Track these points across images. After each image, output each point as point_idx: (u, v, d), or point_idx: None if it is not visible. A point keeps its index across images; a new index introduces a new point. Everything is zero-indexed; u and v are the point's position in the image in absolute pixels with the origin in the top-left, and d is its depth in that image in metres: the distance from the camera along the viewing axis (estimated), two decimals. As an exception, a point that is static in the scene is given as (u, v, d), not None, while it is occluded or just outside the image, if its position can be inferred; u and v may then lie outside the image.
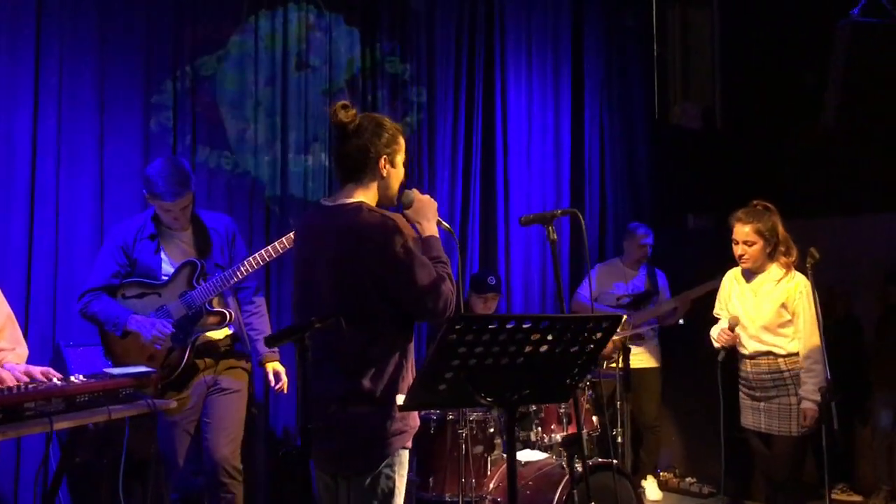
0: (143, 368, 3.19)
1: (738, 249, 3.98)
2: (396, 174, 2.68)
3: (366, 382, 2.48)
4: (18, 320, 3.39)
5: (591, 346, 2.25)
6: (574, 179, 6.30)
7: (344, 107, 2.59)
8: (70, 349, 3.91)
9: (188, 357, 3.54)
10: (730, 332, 4.01)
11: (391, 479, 2.54)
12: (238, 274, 3.55)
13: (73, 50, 4.17)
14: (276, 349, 3.72)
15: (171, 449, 3.59)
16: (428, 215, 2.67)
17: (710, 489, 5.65)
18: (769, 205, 3.99)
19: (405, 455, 2.59)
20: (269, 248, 3.57)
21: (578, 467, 3.89)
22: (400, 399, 2.25)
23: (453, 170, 5.63)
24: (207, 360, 3.64)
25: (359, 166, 2.61)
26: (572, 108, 6.32)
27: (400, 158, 2.68)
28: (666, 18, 7.28)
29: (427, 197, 2.71)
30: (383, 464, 2.52)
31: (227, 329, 3.67)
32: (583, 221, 2.75)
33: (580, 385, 4.34)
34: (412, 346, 2.61)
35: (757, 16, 6.52)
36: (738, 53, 6.84)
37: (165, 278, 3.58)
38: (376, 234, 2.48)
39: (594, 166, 6.44)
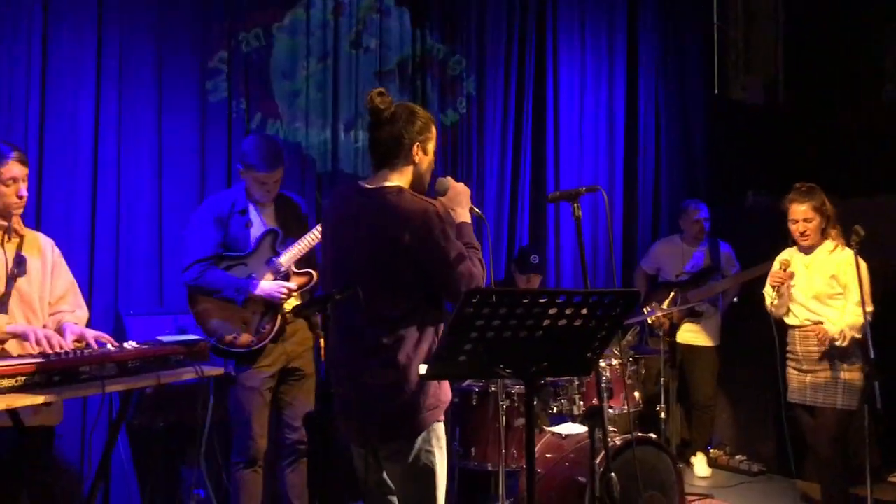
0: (192, 336, 3.35)
1: (798, 227, 4.12)
2: (428, 161, 2.77)
3: (399, 358, 2.56)
4: (83, 291, 3.61)
5: (610, 320, 2.29)
6: (628, 157, 6.25)
7: (380, 94, 2.68)
8: (131, 318, 4.11)
9: (280, 323, 3.69)
10: (781, 272, 4.13)
11: (431, 453, 2.62)
12: (317, 235, 3.68)
13: (132, 30, 4.34)
14: None
15: (245, 413, 3.69)
16: (462, 202, 2.75)
17: (761, 467, 5.62)
18: (813, 184, 4.14)
19: (441, 428, 2.67)
20: None
21: (617, 441, 3.96)
22: (423, 368, 2.33)
23: (503, 147, 5.66)
24: (284, 340, 3.77)
25: (392, 152, 2.70)
26: (626, 83, 6.25)
27: (432, 146, 2.76)
28: (727, -9, 7.13)
29: (461, 185, 2.80)
30: (420, 440, 2.60)
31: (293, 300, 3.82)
32: (606, 199, 2.77)
33: (622, 361, 4.39)
34: (444, 325, 2.69)
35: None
36: (802, 25, 6.66)
37: (249, 250, 3.74)
38: (417, 218, 2.57)
39: (649, 143, 6.37)
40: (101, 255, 4.24)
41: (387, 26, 5.19)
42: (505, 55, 5.69)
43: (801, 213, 4.11)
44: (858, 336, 3.91)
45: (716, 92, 6.93)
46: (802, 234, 4.11)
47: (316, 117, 4.95)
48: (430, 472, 2.64)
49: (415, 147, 2.70)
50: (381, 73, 5.15)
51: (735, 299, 5.61)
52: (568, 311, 2.21)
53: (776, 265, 4.26)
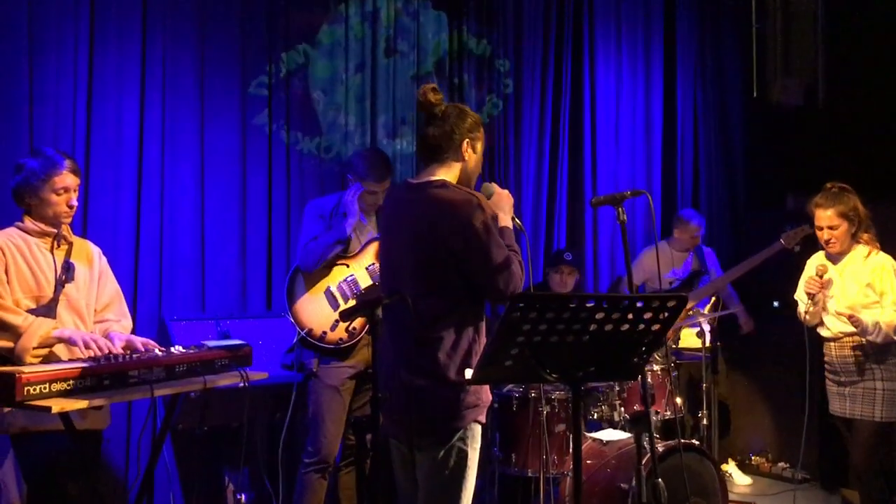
0: (237, 341, 3.38)
1: (823, 235, 3.95)
2: (477, 160, 2.81)
3: (440, 355, 2.57)
4: (127, 297, 3.67)
5: (657, 325, 2.28)
6: (665, 159, 6.22)
7: (433, 89, 2.73)
8: (174, 323, 4.16)
9: (370, 323, 3.74)
10: (818, 279, 3.94)
11: (464, 452, 2.63)
12: None
13: (175, 41, 4.41)
14: None
15: (322, 411, 3.77)
16: (505, 208, 2.77)
17: (804, 475, 5.53)
18: (845, 185, 3.94)
19: (478, 429, 2.67)
20: None
21: (659, 447, 3.93)
22: (468, 373, 2.34)
23: (540, 149, 5.65)
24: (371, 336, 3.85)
25: (442, 147, 2.73)
26: (664, 85, 6.22)
27: (480, 146, 2.81)
28: (765, -10, 7.06)
29: (505, 191, 2.83)
30: (456, 436, 2.61)
31: None
32: (651, 203, 2.76)
33: (664, 366, 4.36)
34: (484, 322, 2.70)
35: (863, -14, 6.25)
36: (842, 26, 6.56)
37: (351, 253, 3.87)
38: (459, 209, 2.58)
39: (687, 145, 6.33)
40: (145, 261, 4.30)
41: (422, 30, 5.21)
42: (542, 58, 5.69)
43: (826, 220, 3.90)
44: (895, 337, 3.77)
45: (754, 95, 6.86)
46: (828, 242, 3.92)
47: (354, 125, 4.98)
48: (461, 471, 2.63)
49: (465, 143, 2.73)
50: (418, 76, 5.17)
51: (775, 304, 5.55)
52: (615, 316, 2.21)
53: (810, 268, 4.10)
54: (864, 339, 3.85)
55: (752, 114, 6.66)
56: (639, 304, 2.22)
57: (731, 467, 5.60)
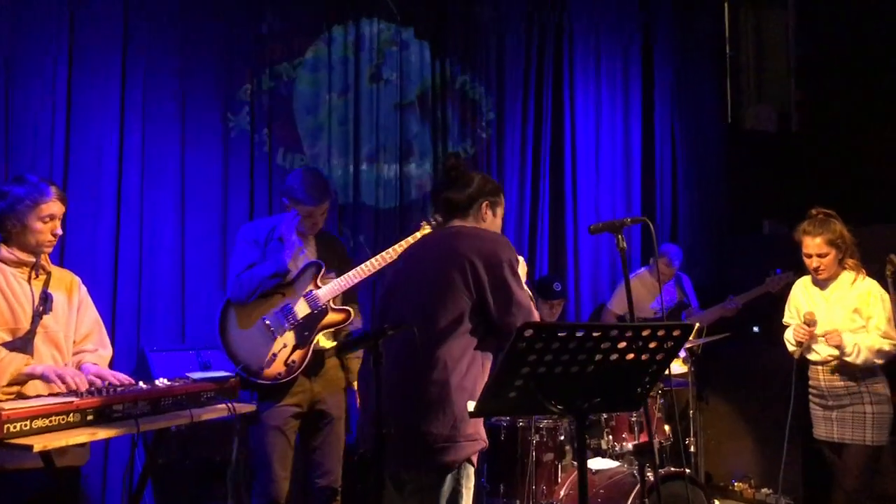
0: (222, 373, 3.30)
1: (812, 262, 3.95)
2: (495, 224, 2.86)
3: (444, 392, 2.54)
4: (105, 325, 3.56)
5: (662, 354, 2.24)
6: (645, 186, 6.26)
7: (455, 155, 2.96)
8: (154, 353, 4.06)
9: (309, 357, 3.61)
10: (806, 327, 3.94)
11: (458, 491, 2.59)
12: (360, 273, 3.67)
13: (156, 67, 4.36)
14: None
15: (267, 452, 3.59)
16: (519, 273, 2.77)
17: (788, 501, 5.52)
18: (830, 211, 3.96)
19: (472, 470, 2.65)
20: (389, 250, 3.64)
21: (650, 476, 3.89)
22: (471, 406, 2.28)
23: (522, 178, 5.66)
24: (313, 377, 3.69)
25: (462, 207, 2.81)
26: (642, 114, 6.28)
27: (500, 211, 2.88)
28: (738, 20, 7.16)
29: (521, 258, 2.83)
30: (450, 474, 2.58)
31: (331, 341, 3.76)
32: (653, 230, 2.74)
33: (652, 394, 4.33)
34: (491, 361, 2.67)
35: (833, 14, 6.36)
36: (814, 54, 6.69)
37: (290, 279, 3.67)
38: (488, 243, 2.65)
39: (665, 173, 6.38)
40: (124, 290, 4.21)
41: (406, 58, 5.21)
42: (523, 90, 5.73)
43: (814, 248, 3.90)
44: (877, 361, 3.78)
45: (728, 122, 6.95)
46: (817, 269, 3.94)
47: (337, 150, 4.95)
48: None
49: (484, 205, 2.80)
50: (401, 105, 5.15)
51: (755, 329, 5.59)
52: (621, 346, 2.17)
53: (796, 295, 4.12)
54: (852, 364, 3.85)
55: (729, 140, 6.73)
56: (645, 333, 2.18)
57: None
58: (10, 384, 2.83)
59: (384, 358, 2.27)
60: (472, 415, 2.42)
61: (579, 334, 2.11)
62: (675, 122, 6.45)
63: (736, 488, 5.79)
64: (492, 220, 2.84)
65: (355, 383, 3.88)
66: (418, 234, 3.58)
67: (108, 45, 4.22)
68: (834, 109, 6.40)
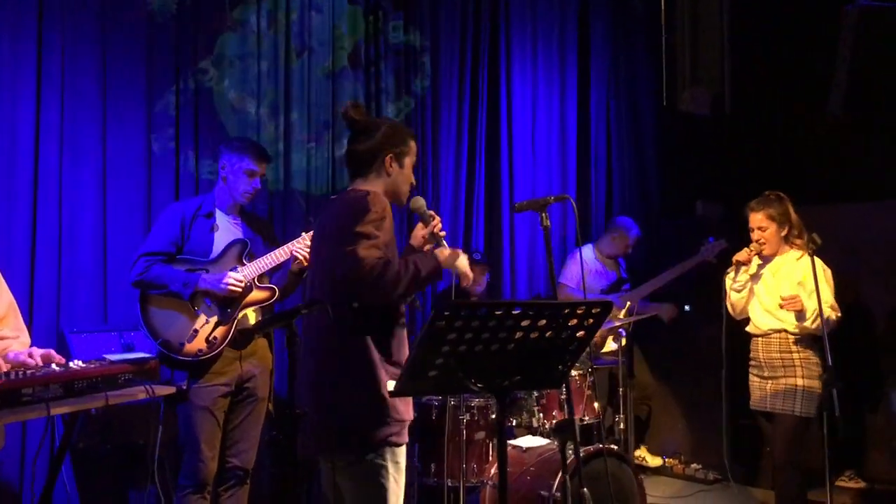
0: (142, 354, 3.22)
1: (754, 236, 4.17)
2: (404, 175, 2.74)
3: (352, 369, 2.50)
4: (23, 308, 3.44)
5: (582, 332, 2.24)
6: (580, 166, 6.29)
7: (354, 105, 2.71)
8: (74, 335, 3.93)
9: (232, 334, 3.55)
10: (748, 250, 4.12)
11: (381, 467, 2.55)
12: (286, 252, 3.61)
13: (75, 41, 4.17)
14: None
15: (195, 433, 3.53)
16: (449, 261, 2.65)
17: (716, 475, 5.65)
18: (781, 193, 4.17)
19: (400, 451, 2.60)
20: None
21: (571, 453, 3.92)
22: (391, 385, 2.25)
23: (458, 158, 5.63)
24: (242, 351, 3.64)
25: (365, 162, 2.70)
26: (578, 94, 6.30)
27: (409, 161, 2.74)
28: (674, 4, 7.21)
29: (452, 250, 2.69)
30: (373, 453, 2.53)
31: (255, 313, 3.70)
32: (575, 208, 2.74)
33: (581, 371, 4.36)
34: (399, 335, 2.62)
35: (766, 1, 6.44)
36: (747, 39, 6.75)
37: (213, 257, 3.61)
38: (347, 205, 2.56)
39: (601, 153, 6.42)
40: (42, 271, 4.05)
41: (338, 25, 5.09)
42: (459, 65, 5.68)
43: (756, 221, 4.15)
44: (825, 331, 3.88)
45: (664, 104, 7.00)
46: (758, 241, 4.14)
47: (268, 119, 4.82)
48: (379, 488, 2.55)
49: (387, 159, 2.68)
50: (333, 72, 5.06)
51: (686, 307, 5.68)
52: (541, 324, 2.16)
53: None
54: (790, 337, 4.02)
55: (664, 123, 6.79)
56: (565, 311, 2.17)
57: (642, 452, 5.73)
58: None
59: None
60: (391, 394, 2.40)
61: (499, 312, 2.09)
62: (611, 103, 6.49)
63: (667, 464, 5.91)
64: (398, 171, 2.71)
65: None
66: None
67: (22, 15, 4.03)
68: (766, 94, 6.50)
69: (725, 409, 4.78)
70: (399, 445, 2.59)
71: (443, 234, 2.72)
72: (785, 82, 6.24)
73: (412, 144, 2.75)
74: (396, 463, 2.59)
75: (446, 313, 2.03)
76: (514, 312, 2.11)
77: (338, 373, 2.52)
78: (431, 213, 2.72)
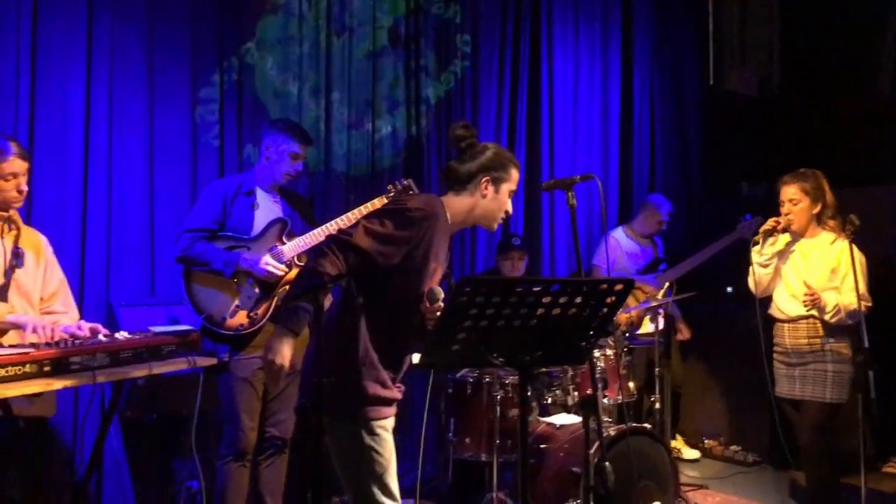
0: (185, 326, 3.33)
1: (784, 209, 4.05)
2: (499, 201, 2.77)
3: (333, 343, 2.57)
4: (74, 283, 3.59)
5: (605, 309, 2.28)
6: (622, 146, 6.26)
7: (464, 126, 2.77)
8: (122, 308, 4.08)
9: (272, 311, 3.66)
10: (775, 221, 4.04)
11: (358, 437, 2.60)
12: (325, 232, 3.67)
13: (123, 23, 4.30)
14: None
15: (236, 403, 3.64)
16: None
17: (756, 458, 5.63)
18: (817, 171, 4.04)
19: (375, 424, 2.62)
20: (355, 210, 3.66)
21: (610, 431, 3.95)
22: (416, 357, 2.32)
23: (497, 138, 5.63)
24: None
25: (460, 179, 2.75)
26: (621, 73, 6.25)
27: (506, 188, 2.77)
28: (722, -21, 7.11)
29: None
30: (345, 420, 2.60)
31: None
32: (601, 187, 2.76)
33: (617, 350, 4.38)
34: (399, 324, 2.66)
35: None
36: (797, 18, 6.64)
37: (254, 234, 3.71)
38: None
39: (643, 133, 6.37)
40: (92, 246, 4.20)
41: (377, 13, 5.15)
42: (500, 46, 5.68)
43: (788, 195, 4.02)
44: (849, 322, 3.84)
45: (710, 83, 6.92)
46: (787, 216, 4.02)
47: (310, 96, 4.91)
48: (355, 453, 2.60)
49: (483, 181, 2.73)
50: (373, 52, 5.12)
51: (728, 289, 5.63)
52: (562, 300, 2.20)
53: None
54: (818, 322, 3.92)
55: (708, 102, 6.72)
56: (586, 289, 2.21)
57: (678, 444, 5.70)
58: None
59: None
60: (416, 366, 2.46)
61: (519, 289, 2.14)
62: (654, 83, 6.43)
63: (706, 445, 5.90)
64: (493, 196, 2.74)
65: None
66: (376, 202, 3.62)
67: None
68: (816, 73, 6.38)
69: (764, 393, 4.74)
70: (376, 420, 2.63)
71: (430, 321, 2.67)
72: (833, 62, 6.12)
73: (513, 173, 2.77)
74: (374, 434, 2.62)
75: (467, 289, 2.08)
76: (534, 289, 2.15)
77: (334, 341, 2.59)
78: (440, 305, 2.61)
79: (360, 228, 2.57)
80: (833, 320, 3.86)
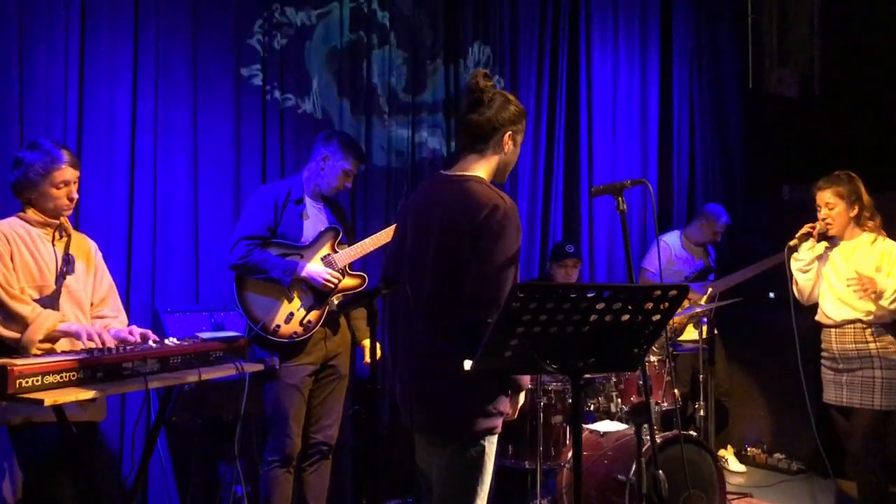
0: (232, 332, 3.36)
1: (821, 215, 4.01)
2: (515, 153, 2.72)
3: (451, 358, 2.46)
4: (120, 288, 3.63)
5: (658, 315, 2.25)
6: (662, 149, 6.20)
7: (486, 75, 2.64)
8: (168, 315, 4.12)
9: (324, 318, 3.70)
10: (811, 226, 4.00)
11: (479, 456, 2.55)
12: (377, 241, 3.74)
13: (168, 28, 4.34)
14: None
15: (283, 410, 3.67)
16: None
17: (800, 466, 5.54)
18: (852, 173, 4.00)
19: (493, 439, 2.59)
20: (376, 235, 3.75)
21: (658, 439, 3.91)
22: (467, 364, 2.30)
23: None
24: (328, 329, 3.79)
25: (484, 136, 2.64)
26: (660, 76, 6.19)
27: (520, 139, 2.71)
28: (762, -19, 7.03)
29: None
30: (470, 440, 2.53)
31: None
32: (652, 192, 2.73)
33: (661, 357, 4.34)
34: None
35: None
36: (838, 17, 6.55)
37: (305, 242, 3.74)
38: (485, 207, 2.47)
39: (683, 136, 6.31)
40: (138, 253, 4.25)
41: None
42: (538, 49, 5.66)
43: (823, 199, 4.00)
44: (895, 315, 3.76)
45: (750, 85, 6.84)
46: (824, 220, 3.98)
47: (353, 117, 4.93)
48: (473, 473, 2.56)
49: (506, 136, 2.65)
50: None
51: (770, 294, 5.55)
52: (615, 307, 2.17)
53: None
54: (866, 328, 3.86)
55: (749, 105, 6.64)
56: (640, 295, 2.19)
57: (727, 454, 5.62)
58: (42, 340, 2.92)
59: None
60: (467, 373, 2.44)
61: (573, 295, 2.12)
62: (693, 85, 6.37)
63: (749, 453, 5.82)
64: (512, 151, 2.67)
65: (365, 342, 3.94)
66: (389, 231, 3.67)
67: (119, 6, 4.22)
68: (857, 74, 6.28)
69: (809, 400, 4.67)
70: (496, 434, 2.60)
71: None
72: (876, 61, 6.02)
73: (524, 122, 2.72)
74: (490, 448, 2.60)
75: (520, 294, 2.07)
76: (588, 296, 2.13)
77: (436, 360, 2.54)
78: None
79: (505, 278, 2.44)
80: (893, 307, 3.79)
